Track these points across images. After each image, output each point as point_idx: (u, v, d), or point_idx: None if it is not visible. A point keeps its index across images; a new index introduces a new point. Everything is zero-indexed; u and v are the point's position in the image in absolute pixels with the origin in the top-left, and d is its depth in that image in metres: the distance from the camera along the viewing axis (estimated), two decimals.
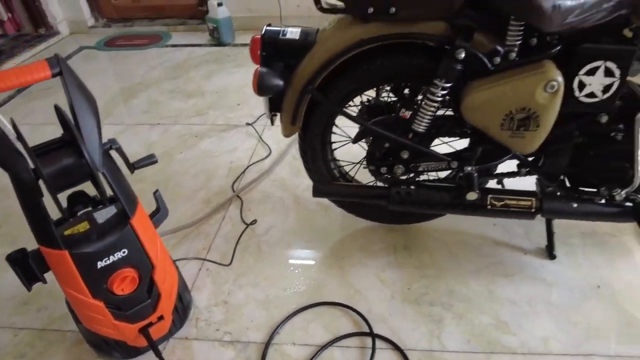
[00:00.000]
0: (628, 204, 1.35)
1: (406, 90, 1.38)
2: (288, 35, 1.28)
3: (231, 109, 2.58)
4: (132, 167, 1.20)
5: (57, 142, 1.05)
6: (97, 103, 1.06)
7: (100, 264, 1.09)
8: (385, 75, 1.29)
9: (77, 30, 3.86)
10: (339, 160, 1.61)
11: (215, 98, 2.70)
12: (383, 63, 1.25)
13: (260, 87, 1.21)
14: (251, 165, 2.10)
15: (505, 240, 1.67)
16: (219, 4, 3.27)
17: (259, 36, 1.28)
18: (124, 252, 1.12)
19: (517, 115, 1.17)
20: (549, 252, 1.59)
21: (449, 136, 1.40)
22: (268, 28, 1.30)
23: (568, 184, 1.43)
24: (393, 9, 1.11)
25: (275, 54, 1.29)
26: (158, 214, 1.27)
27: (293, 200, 1.88)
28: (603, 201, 1.37)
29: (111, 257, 1.10)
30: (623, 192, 1.31)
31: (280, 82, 1.23)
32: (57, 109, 1.07)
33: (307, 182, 1.59)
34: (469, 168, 1.32)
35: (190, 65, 3.17)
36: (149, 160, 1.22)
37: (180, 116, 2.54)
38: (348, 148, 1.60)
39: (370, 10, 1.12)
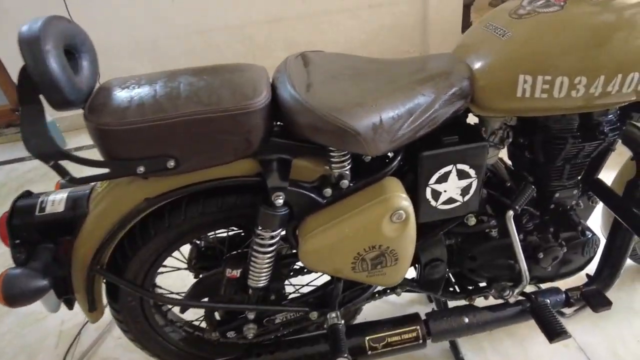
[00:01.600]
0: (522, 298, 1.16)
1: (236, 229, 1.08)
2: (49, 209, 0.91)
3: None
4: None
5: None
6: None
7: None
8: (197, 226, 0.96)
9: None
10: (177, 322, 1.23)
11: None
12: (187, 214, 0.93)
13: (10, 299, 0.82)
14: (88, 322, 1.65)
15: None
16: None
17: (6, 215, 0.90)
18: None
19: (367, 255, 0.90)
20: (456, 356, 1.36)
21: (302, 275, 1.11)
22: (19, 204, 0.91)
23: (456, 286, 1.21)
24: (172, 163, 0.79)
25: (35, 236, 0.91)
26: None
27: None
28: (494, 302, 1.16)
29: None
30: (515, 291, 1.11)
31: (43, 282, 0.85)
32: None
33: None
34: (333, 316, 1.03)
35: (10, 188, 2.59)
36: None
37: None
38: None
39: (141, 169, 0.79)
